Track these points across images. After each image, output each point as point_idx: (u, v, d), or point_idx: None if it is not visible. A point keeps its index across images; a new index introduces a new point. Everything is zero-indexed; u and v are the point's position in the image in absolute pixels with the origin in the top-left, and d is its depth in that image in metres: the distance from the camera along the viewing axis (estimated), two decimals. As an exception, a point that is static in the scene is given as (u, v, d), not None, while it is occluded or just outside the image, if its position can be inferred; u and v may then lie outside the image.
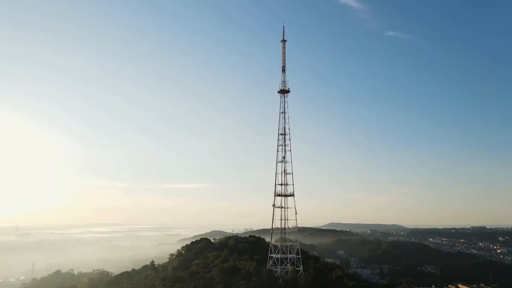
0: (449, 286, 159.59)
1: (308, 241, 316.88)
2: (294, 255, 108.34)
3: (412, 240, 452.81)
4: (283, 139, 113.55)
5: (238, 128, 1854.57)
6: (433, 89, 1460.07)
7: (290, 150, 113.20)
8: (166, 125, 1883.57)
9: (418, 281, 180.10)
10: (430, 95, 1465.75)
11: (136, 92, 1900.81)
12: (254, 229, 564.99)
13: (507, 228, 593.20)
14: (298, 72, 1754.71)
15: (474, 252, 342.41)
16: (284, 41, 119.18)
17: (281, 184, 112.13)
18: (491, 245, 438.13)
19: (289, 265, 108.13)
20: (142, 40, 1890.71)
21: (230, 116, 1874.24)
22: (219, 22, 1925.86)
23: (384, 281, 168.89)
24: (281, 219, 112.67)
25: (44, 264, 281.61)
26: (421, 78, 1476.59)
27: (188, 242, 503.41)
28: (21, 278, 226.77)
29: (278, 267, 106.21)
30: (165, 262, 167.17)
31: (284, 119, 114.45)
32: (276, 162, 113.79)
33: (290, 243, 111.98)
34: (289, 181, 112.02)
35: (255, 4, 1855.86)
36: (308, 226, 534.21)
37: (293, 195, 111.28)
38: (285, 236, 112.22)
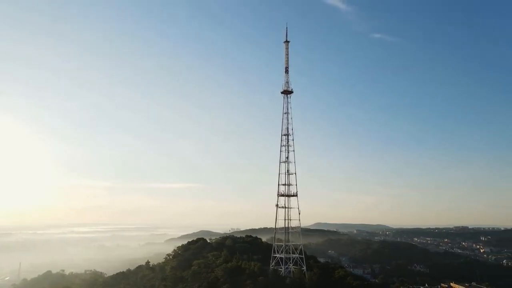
0: (442, 285, 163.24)
1: (298, 241, 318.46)
2: (297, 255, 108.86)
3: (398, 239, 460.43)
4: (286, 140, 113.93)
5: (224, 129, 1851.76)
6: (419, 91, 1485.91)
7: (294, 151, 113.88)
8: (151, 125, 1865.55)
9: (410, 280, 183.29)
10: (417, 97, 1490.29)
11: (121, 91, 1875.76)
12: (241, 229, 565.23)
13: (488, 228, 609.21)
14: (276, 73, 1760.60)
15: (459, 251, 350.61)
16: (287, 42, 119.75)
17: (284, 184, 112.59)
18: (474, 245, 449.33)
19: (291, 264, 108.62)
20: (133, 39, 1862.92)
21: (216, 117, 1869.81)
22: (206, 23, 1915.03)
23: (376, 280, 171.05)
24: (284, 219, 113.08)
25: (29, 264, 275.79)
26: (406, 80, 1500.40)
27: (176, 242, 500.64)
28: (7, 278, 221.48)
29: (283, 266, 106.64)
30: (160, 262, 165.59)
31: (287, 120, 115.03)
32: (279, 163, 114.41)
33: (293, 243, 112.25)
34: (292, 182, 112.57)
35: (242, 4, 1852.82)
36: (292, 226, 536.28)
37: (296, 195, 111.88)
38: (289, 236, 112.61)
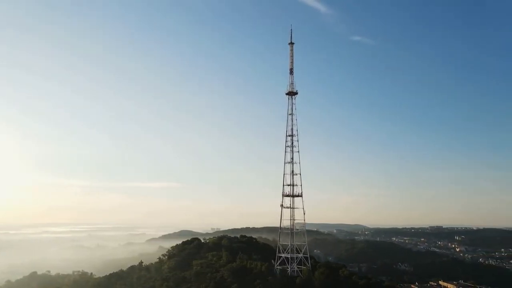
0: (431, 283, 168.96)
1: (284, 240, 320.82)
2: (302, 255, 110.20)
3: (378, 239, 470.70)
4: (291, 141, 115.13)
5: (205, 128, 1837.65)
6: (398, 93, 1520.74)
7: (298, 151, 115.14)
8: (127, 124, 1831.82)
9: (398, 279, 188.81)
10: (395, 98, 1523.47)
11: (98, 90, 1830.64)
12: (222, 229, 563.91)
13: (462, 228, 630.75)
14: (260, 74, 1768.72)
15: (437, 250, 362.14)
16: (291, 43, 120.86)
17: (289, 185, 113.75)
18: (449, 244, 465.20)
19: (294, 264, 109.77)
20: (122, 38, 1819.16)
21: (196, 116, 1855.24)
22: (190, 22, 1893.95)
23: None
24: (290, 219, 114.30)
25: (6, 265, 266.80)
26: (385, 81, 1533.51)
27: (157, 242, 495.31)
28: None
29: (289, 266, 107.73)
30: (152, 262, 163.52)
31: (292, 121, 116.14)
32: (284, 163, 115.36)
33: (297, 243, 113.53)
34: (297, 182, 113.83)
35: (228, 5, 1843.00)
36: (272, 225, 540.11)
37: (301, 196, 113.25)
38: (293, 236, 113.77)
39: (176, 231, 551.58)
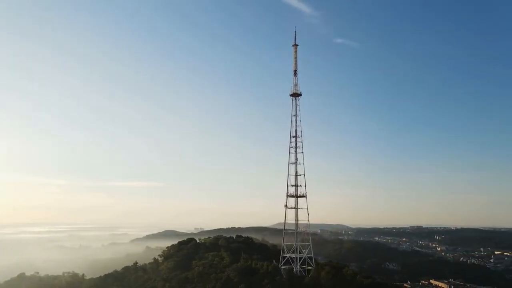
0: (422, 282, 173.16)
1: (272, 240, 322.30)
2: (305, 255, 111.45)
3: (362, 239, 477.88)
4: (295, 142, 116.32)
5: (186, 127, 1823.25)
6: (379, 94, 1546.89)
7: (302, 152, 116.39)
8: (107, 123, 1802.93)
9: (388, 279, 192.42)
10: (376, 99, 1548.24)
11: (78, 89, 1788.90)
12: (206, 229, 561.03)
13: (441, 227, 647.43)
14: (243, 74, 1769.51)
15: (419, 250, 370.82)
16: (296, 45, 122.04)
17: (294, 186, 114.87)
18: (430, 244, 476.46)
19: (298, 264, 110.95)
20: (114, 37, 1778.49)
21: (177, 115, 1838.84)
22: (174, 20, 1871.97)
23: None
24: (295, 220, 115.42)
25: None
26: (364, 83, 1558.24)
27: (142, 243, 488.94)
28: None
29: (295, 266, 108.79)
30: (148, 262, 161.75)
31: (296, 122, 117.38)
32: (288, 164, 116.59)
33: (301, 243, 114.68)
34: (301, 183, 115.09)
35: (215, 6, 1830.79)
36: (257, 225, 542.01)
37: (305, 196, 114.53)
38: (297, 236, 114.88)
39: (160, 231, 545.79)
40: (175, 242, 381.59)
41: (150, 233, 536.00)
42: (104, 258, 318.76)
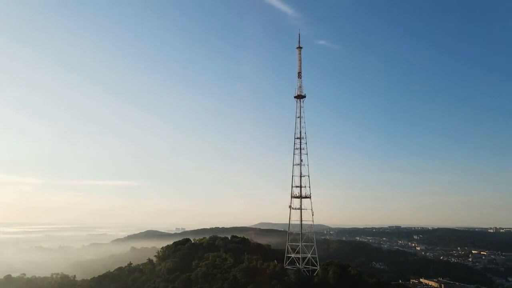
0: (412, 281, 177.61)
1: (257, 240, 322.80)
2: (310, 255, 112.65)
3: (344, 239, 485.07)
4: (299, 143, 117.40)
5: (163, 127, 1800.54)
6: (361, 94, 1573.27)
7: (307, 154, 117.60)
8: (82, 122, 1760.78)
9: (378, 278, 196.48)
10: (361, 99, 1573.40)
11: (53, 88, 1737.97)
12: (188, 229, 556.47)
13: (418, 227, 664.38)
14: (231, 74, 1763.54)
15: (403, 249, 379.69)
16: (299, 48, 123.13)
17: (298, 187, 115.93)
18: (409, 243, 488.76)
19: (302, 264, 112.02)
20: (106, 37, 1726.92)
21: (154, 115, 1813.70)
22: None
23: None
24: (300, 221, 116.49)
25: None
26: (350, 86, 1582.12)
27: (124, 243, 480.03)
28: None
29: (300, 266, 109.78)
30: (143, 263, 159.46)
31: (300, 123, 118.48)
32: (293, 165, 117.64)
33: (304, 243, 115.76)
34: (306, 184, 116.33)
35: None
36: (240, 225, 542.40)
37: (310, 197, 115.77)
38: (301, 236, 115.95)
39: (142, 231, 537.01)
40: (158, 242, 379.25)
41: (131, 233, 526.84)
42: (87, 259, 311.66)
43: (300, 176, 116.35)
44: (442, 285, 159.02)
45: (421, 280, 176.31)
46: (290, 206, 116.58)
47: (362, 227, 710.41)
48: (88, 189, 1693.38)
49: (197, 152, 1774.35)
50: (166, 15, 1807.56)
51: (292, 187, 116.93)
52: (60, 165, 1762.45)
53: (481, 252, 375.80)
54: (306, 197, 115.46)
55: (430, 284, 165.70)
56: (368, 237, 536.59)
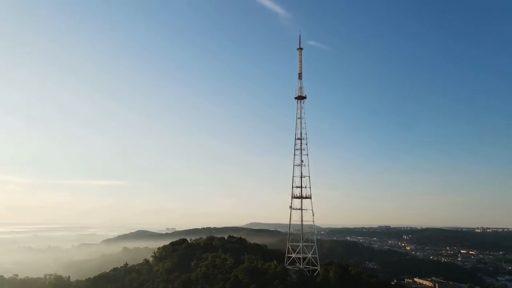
0: (406, 280, 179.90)
1: (249, 240, 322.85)
2: (310, 255, 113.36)
3: (335, 238, 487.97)
4: (300, 144, 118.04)
5: (151, 126, 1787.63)
6: (347, 95, 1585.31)
7: (307, 154, 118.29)
8: (69, 121, 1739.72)
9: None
10: (346, 99, 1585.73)
11: (41, 87, 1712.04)
12: (179, 229, 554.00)
13: (407, 227, 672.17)
14: (219, 74, 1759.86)
15: (395, 249, 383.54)
16: (300, 49, 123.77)
17: (299, 187, 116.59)
18: (399, 243, 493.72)
19: (302, 264, 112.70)
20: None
21: (142, 115, 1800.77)
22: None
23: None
24: (301, 221, 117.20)
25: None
26: (340, 86, 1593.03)
27: (115, 243, 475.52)
28: None
29: (301, 266, 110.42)
30: (139, 263, 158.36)
31: (301, 124, 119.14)
32: (293, 166, 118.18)
33: (305, 243, 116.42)
34: (306, 184, 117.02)
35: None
36: (232, 225, 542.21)
37: (310, 198, 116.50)
38: (302, 236, 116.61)
39: (132, 231, 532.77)
40: (150, 242, 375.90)
41: (122, 233, 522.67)
42: (78, 259, 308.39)
43: (301, 177, 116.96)
44: (437, 284, 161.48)
45: (415, 279, 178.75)
46: (290, 207, 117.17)
47: (352, 227, 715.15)
48: (76, 188, 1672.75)
49: (186, 152, 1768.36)
50: (157, 15, 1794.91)
51: (292, 187, 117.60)
52: (47, 165, 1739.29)
53: (470, 252, 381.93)
54: (306, 197, 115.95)
55: (424, 283, 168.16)
56: (358, 237, 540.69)
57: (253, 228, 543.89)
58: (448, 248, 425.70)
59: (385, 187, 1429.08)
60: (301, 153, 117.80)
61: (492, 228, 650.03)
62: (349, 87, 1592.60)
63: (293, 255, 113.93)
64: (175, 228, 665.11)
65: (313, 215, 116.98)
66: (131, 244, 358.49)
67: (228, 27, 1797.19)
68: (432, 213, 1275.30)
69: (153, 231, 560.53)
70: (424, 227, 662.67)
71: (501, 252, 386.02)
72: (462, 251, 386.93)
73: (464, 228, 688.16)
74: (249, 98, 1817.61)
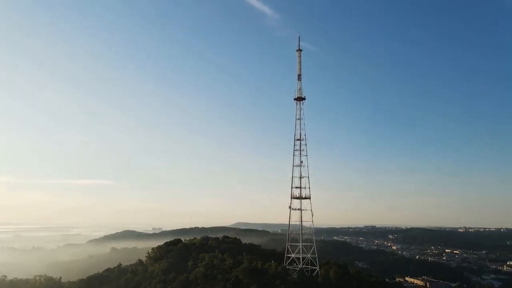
0: (398, 279, 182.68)
1: (243, 240, 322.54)
2: (309, 255, 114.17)
3: (322, 238, 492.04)
4: (299, 145, 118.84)
5: (130, 124, 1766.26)
6: (338, 97, 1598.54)
7: (306, 155, 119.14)
8: (49, 119, 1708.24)
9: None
10: (332, 100, 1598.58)
11: (23, 85, 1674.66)
12: (166, 229, 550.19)
13: (392, 227, 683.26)
14: (209, 74, 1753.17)
15: (383, 249, 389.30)
16: (299, 50, 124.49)
17: (298, 187, 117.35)
18: (385, 242, 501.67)
19: (300, 265, 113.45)
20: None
21: (117, 110, 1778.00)
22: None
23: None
24: (300, 221, 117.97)
25: None
26: (327, 87, 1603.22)
27: (101, 243, 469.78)
28: None
29: (301, 266, 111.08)
30: (131, 264, 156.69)
31: (300, 125, 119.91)
32: (293, 166, 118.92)
33: (304, 244, 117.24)
34: (305, 185, 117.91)
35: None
36: (219, 225, 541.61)
37: (310, 198, 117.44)
38: (301, 236, 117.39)
39: (119, 231, 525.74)
40: (138, 243, 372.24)
41: (108, 233, 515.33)
42: (64, 260, 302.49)
43: (300, 178, 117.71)
44: (428, 283, 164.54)
45: (407, 278, 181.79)
46: (290, 207, 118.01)
47: (338, 227, 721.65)
48: (56, 188, 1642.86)
49: (170, 152, 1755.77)
50: (140, 12, 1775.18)
51: (292, 188, 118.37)
52: (26, 164, 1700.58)
53: (454, 251, 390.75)
54: (306, 198, 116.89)
55: (416, 282, 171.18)
56: (345, 237, 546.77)
57: (241, 228, 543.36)
58: (433, 247, 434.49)
59: (370, 188, 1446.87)
60: (300, 154, 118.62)
61: (474, 228, 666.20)
62: (337, 88, 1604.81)
63: (293, 255, 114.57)
64: (161, 228, 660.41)
65: (312, 216, 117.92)
66: (118, 244, 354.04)
67: (214, 25, 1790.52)
68: (416, 213, 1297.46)
69: (140, 231, 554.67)
70: (409, 227, 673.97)
71: (483, 251, 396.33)
72: (446, 251, 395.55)
73: (447, 228, 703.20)
74: (235, 98, 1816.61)
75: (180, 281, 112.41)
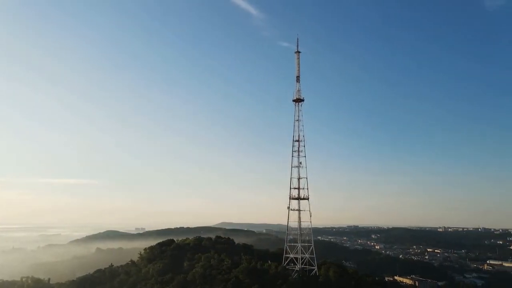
0: (387, 279, 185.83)
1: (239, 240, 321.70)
2: (307, 255, 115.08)
3: (307, 238, 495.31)
4: (298, 146, 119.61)
5: (110, 123, 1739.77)
6: (324, 99, 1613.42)
7: (305, 156, 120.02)
8: (28, 117, 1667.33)
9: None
10: (323, 103, 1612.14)
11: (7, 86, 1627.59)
12: (150, 229, 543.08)
13: (375, 227, 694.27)
14: (201, 73, 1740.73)
15: (368, 248, 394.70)
16: (298, 52, 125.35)
17: (296, 188, 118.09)
18: (368, 242, 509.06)
19: (299, 265, 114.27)
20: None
21: (102, 110, 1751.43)
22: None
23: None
24: (299, 222, 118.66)
25: None
26: (313, 87, 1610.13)
27: (83, 244, 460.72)
28: None
29: (300, 266, 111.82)
30: (122, 265, 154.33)
31: (299, 127, 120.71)
32: (291, 167, 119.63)
33: (302, 244, 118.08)
34: (304, 186, 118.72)
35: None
36: (205, 225, 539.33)
37: (308, 199, 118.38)
38: (300, 237, 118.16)
39: (101, 231, 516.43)
40: (122, 243, 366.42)
41: (90, 233, 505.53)
42: (46, 261, 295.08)
43: (298, 178, 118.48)
44: (417, 282, 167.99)
45: (396, 278, 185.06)
46: (288, 207, 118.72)
47: (321, 227, 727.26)
48: (32, 187, 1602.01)
49: (151, 152, 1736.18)
50: (127, 13, 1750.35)
51: (290, 188, 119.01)
52: (4, 163, 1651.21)
53: (435, 250, 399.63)
54: (304, 198, 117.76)
55: (405, 281, 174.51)
56: (329, 237, 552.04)
57: (226, 228, 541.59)
58: (415, 247, 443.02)
59: (353, 188, 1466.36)
60: (298, 154, 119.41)
61: (453, 228, 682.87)
62: (323, 88, 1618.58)
63: (291, 255, 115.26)
64: (144, 228, 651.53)
65: (310, 216, 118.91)
66: (102, 245, 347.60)
67: (199, 26, 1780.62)
68: (397, 214, 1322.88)
69: (123, 231, 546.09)
70: (390, 226, 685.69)
71: (463, 250, 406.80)
72: (428, 250, 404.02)
73: (427, 227, 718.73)
74: (218, 98, 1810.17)
75: (178, 281, 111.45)
